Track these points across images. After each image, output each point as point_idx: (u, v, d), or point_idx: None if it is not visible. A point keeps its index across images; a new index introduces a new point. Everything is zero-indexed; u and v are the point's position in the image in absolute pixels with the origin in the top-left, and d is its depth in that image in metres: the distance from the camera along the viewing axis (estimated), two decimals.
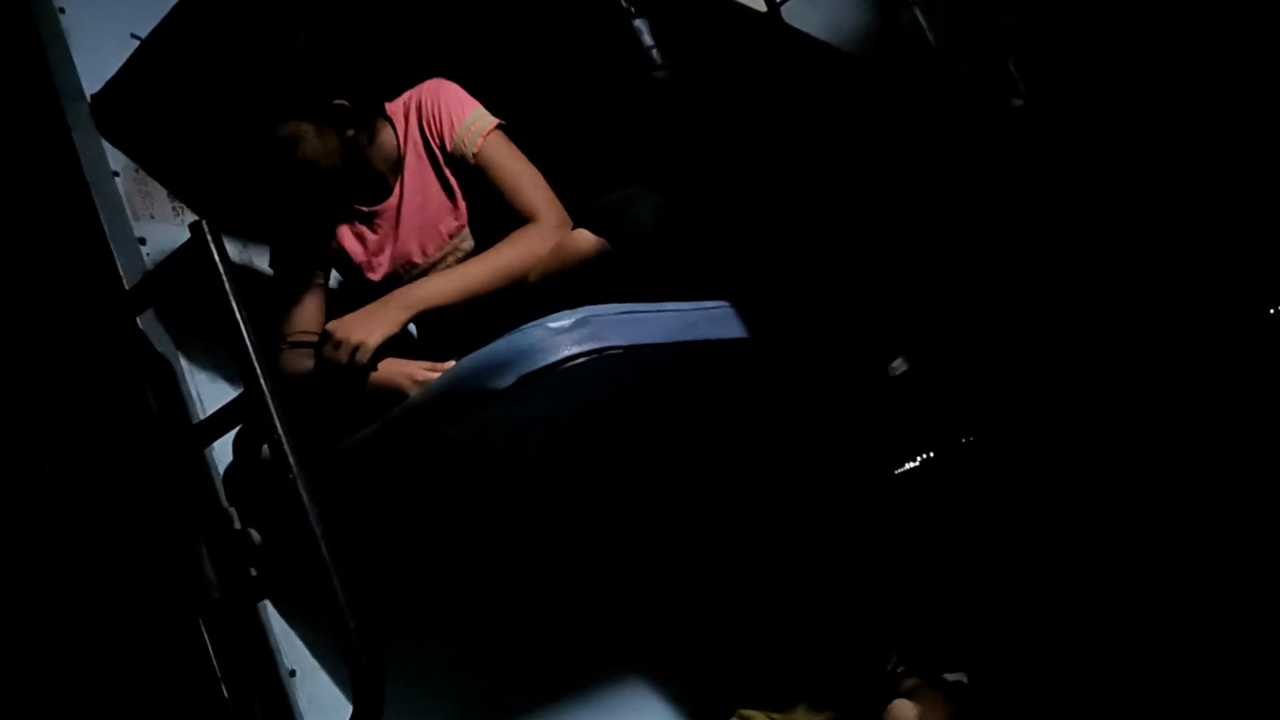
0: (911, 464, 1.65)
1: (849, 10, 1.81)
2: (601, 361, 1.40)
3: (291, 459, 1.32)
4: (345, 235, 1.79)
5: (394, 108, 1.77)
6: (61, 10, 1.81)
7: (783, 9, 1.77)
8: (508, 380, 1.38)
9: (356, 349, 1.53)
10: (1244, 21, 1.46)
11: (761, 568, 2.00)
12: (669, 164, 1.68)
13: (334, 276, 1.85)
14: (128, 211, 1.76)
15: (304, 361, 1.68)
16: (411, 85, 1.78)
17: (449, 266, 1.73)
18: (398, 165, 1.76)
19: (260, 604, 1.59)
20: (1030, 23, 1.62)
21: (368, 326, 1.55)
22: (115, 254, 1.64)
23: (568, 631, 2.04)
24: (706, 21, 1.78)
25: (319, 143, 1.66)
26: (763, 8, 1.77)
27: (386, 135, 1.75)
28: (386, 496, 1.71)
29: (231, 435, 1.52)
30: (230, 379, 1.76)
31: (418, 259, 1.77)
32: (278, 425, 1.34)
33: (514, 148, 1.71)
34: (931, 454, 1.63)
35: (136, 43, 1.81)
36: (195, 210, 1.91)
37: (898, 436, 1.66)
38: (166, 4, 1.71)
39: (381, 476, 1.60)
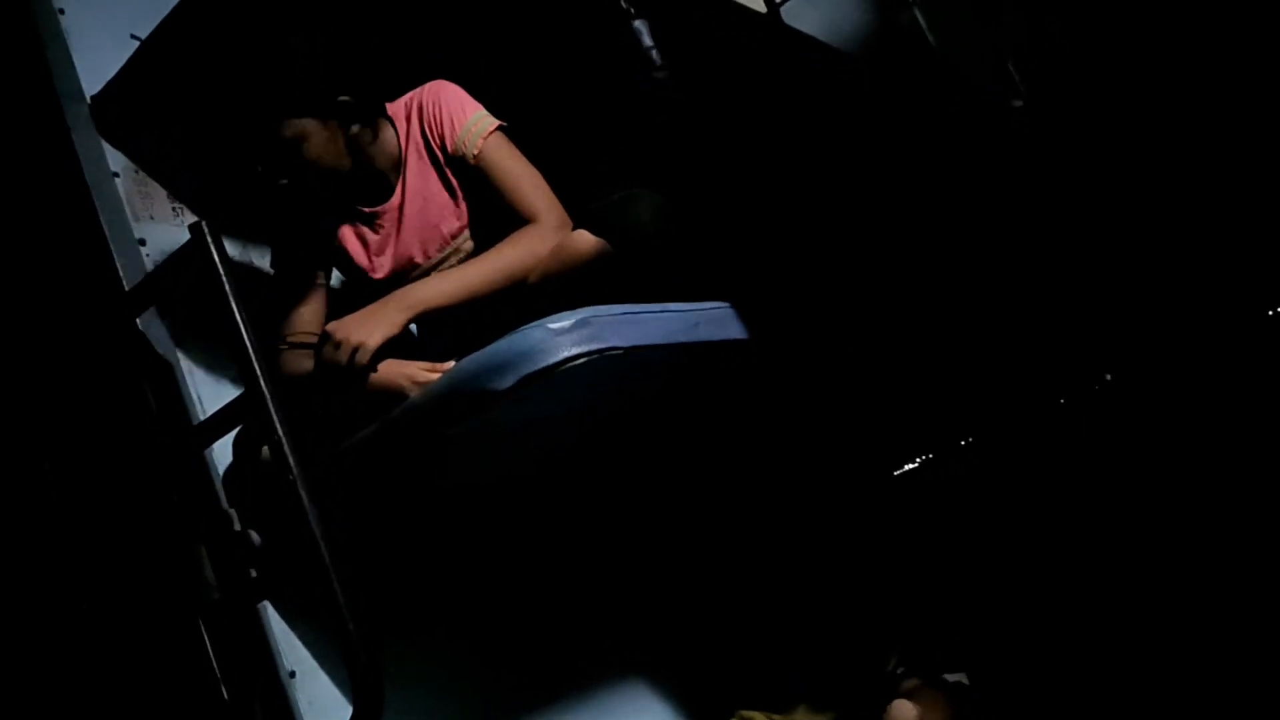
0: (911, 465, 1.65)
1: (849, 10, 1.81)
2: (602, 362, 1.40)
3: (291, 460, 1.32)
4: (347, 235, 1.79)
5: (395, 109, 1.77)
6: (61, 11, 1.81)
7: (783, 9, 1.77)
8: (508, 381, 1.38)
9: (356, 350, 1.53)
10: (1244, 21, 1.46)
11: (761, 568, 2.00)
12: (669, 164, 1.68)
13: (336, 276, 1.85)
14: (128, 212, 1.77)
15: (304, 362, 1.68)
16: (412, 86, 1.78)
17: (451, 267, 1.73)
18: (399, 166, 1.76)
19: (260, 605, 1.59)
20: (1030, 23, 1.62)
21: (367, 327, 1.55)
22: (115, 255, 1.64)
23: (568, 631, 2.04)
24: (706, 22, 1.77)
25: (325, 140, 1.65)
26: (763, 8, 1.77)
27: (388, 135, 1.75)
28: (386, 497, 1.71)
29: (231, 436, 1.52)
30: (230, 379, 1.76)
31: (419, 259, 1.77)
32: (278, 426, 1.34)
33: (514, 149, 1.71)
34: (931, 455, 1.63)
35: (136, 43, 1.81)
36: (195, 211, 1.91)
37: (897, 437, 1.66)
38: (166, 4, 1.71)
39: (381, 477, 1.60)
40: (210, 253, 1.39)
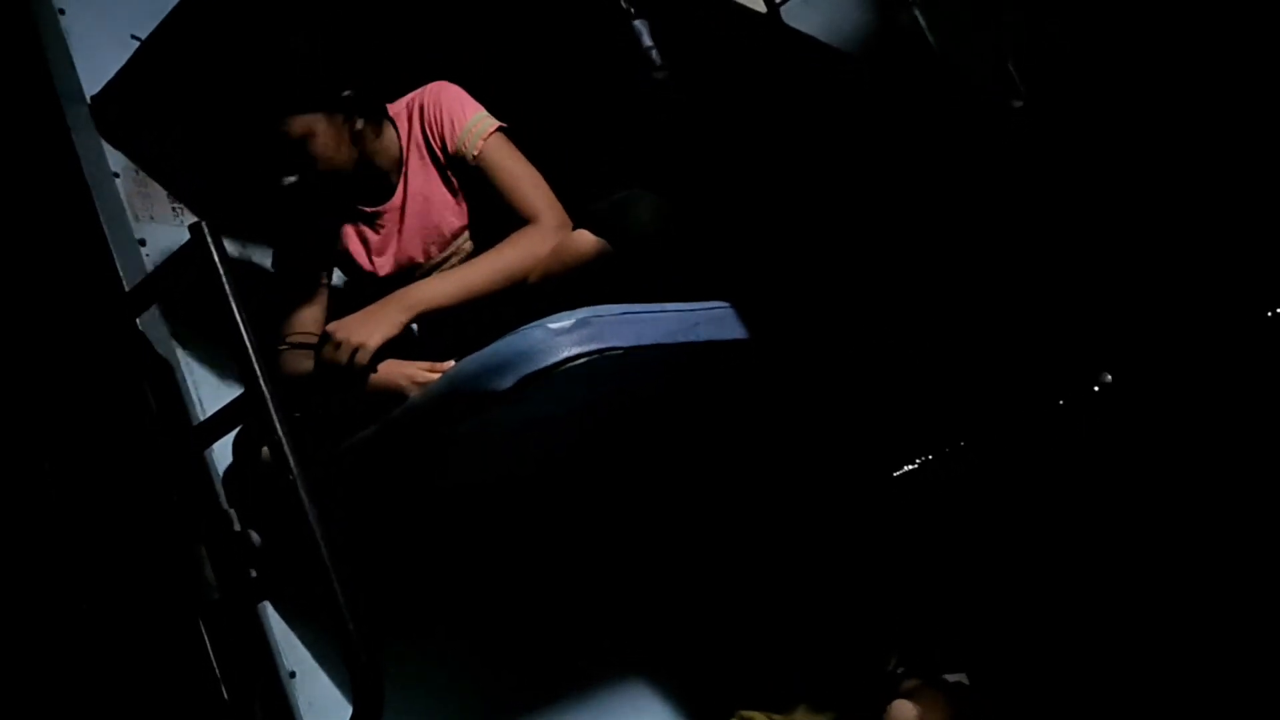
0: (910, 466, 1.65)
1: (849, 10, 1.81)
2: (602, 362, 1.40)
3: (291, 460, 1.32)
4: (348, 235, 1.79)
5: (396, 109, 1.77)
6: (61, 11, 1.82)
7: (783, 9, 1.77)
8: (508, 381, 1.38)
9: (356, 350, 1.54)
10: (1244, 21, 1.46)
11: (761, 569, 2.00)
12: (669, 164, 1.68)
13: (337, 276, 1.85)
14: (128, 213, 1.77)
15: (304, 362, 1.68)
16: (413, 87, 1.78)
17: (451, 267, 1.73)
18: (400, 165, 1.76)
19: (260, 605, 1.60)
20: (1030, 23, 1.62)
21: (368, 328, 1.55)
22: (115, 255, 1.64)
23: (568, 631, 2.05)
24: (706, 22, 1.77)
25: (332, 135, 1.65)
26: (763, 8, 1.77)
27: (390, 135, 1.76)
28: (386, 497, 1.71)
29: (231, 436, 1.52)
30: (230, 379, 1.76)
31: (420, 259, 1.77)
32: (278, 426, 1.34)
33: (515, 150, 1.71)
34: (930, 456, 1.63)
35: (136, 44, 1.81)
36: (195, 211, 1.91)
37: (896, 438, 1.66)
38: (166, 5, 1.71)
39: (381, 478, 1.60)
40: (210, 253, 1.39)
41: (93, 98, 1.78)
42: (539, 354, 1.37)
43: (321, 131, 1.64)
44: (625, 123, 1.75)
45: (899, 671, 1.71)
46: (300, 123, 1.62)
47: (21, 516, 1.69)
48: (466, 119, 1.71)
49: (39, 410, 1.71)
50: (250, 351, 1.37)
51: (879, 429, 1.67)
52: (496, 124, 1.71)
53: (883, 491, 1.69)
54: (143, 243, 1.76)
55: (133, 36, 1.87)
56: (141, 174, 1.86)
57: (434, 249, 1.76)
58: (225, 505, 1.51)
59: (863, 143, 1.69)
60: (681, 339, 1.53)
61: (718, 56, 1.76)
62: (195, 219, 1.46)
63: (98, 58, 1.81)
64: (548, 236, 1.62)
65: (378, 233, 1.78)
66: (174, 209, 1.89)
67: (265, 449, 1.43)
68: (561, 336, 1.38)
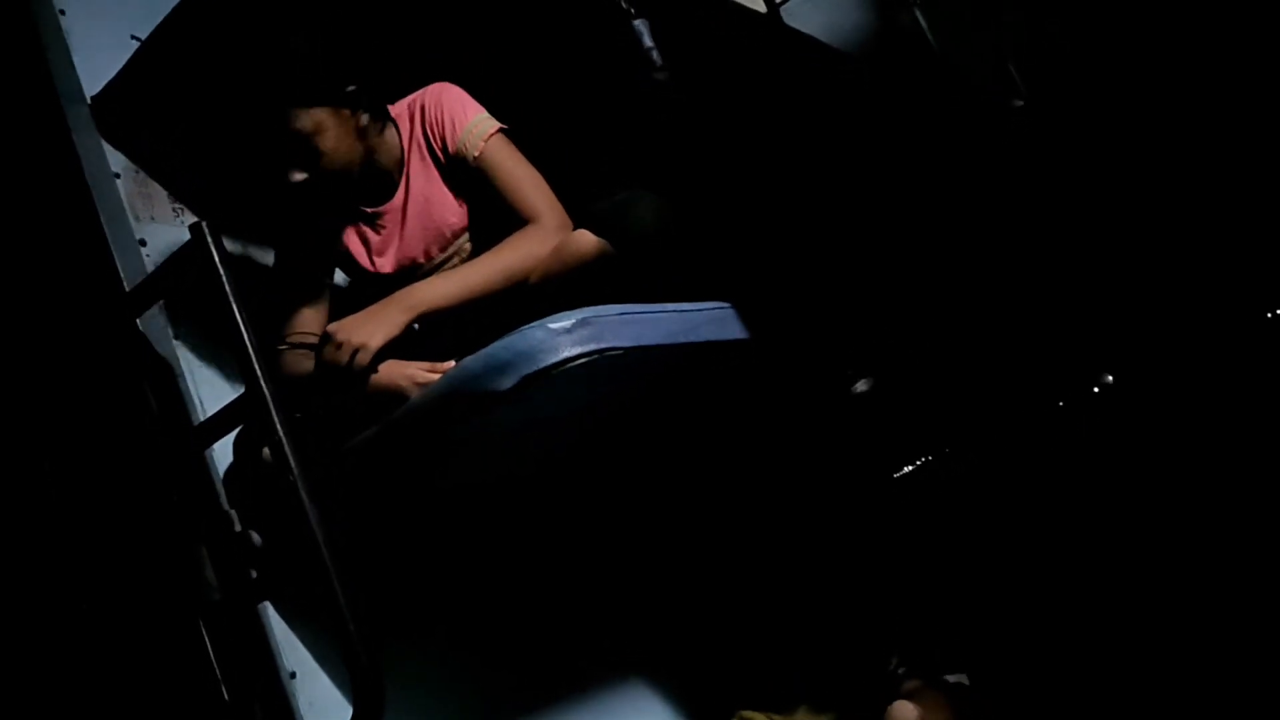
0: (910, 467, 1.65)
1: (849, 10, 1.81)
2: (602, 363, 1.41)
3: (292, 461, 1.32)
4: (349, 235, 1.80)
5: (397, 110, 1.77)
6: (62, 12, 1.81)
7: (783, 9, 1.77)
8: (508, 381, 1.38)
9: (357, 351, 1.54)
10: (1244, 21, 1.46)
11: (761, 569, 2.00)
12: (669, 165, 1.68)
13: (339, 276, 1.85)
14: (128, 213, 1.77)
15: (304, 363, 1.68)
16: (414, 88, 1.78)
17: (452, 268, 1.73)
18: (401, 166, 1.76)
19: (261, 606, 1.59)
20: (1030, 23, 1.62)
21: (368, 329, 1.55)
22: (116, 256, 1.64)
23: (568, 632, 2.05)
24: (706, 22, 1.77)
25: (339, 130, 1.64)
26: (763, 8, 1.77)
27: (391, 135, 1.75)
28: (387, 498, 1.71)
29: (232, 437, 1.52)
30: (230, 379, 1.76)
31: (421, 260, 1.77)
32: (278, 427, 1.34)
33: (515, 151, 1.71)
34: (930, 457, 1.63)
35: (136, 44, 1.81)
36: (195, 211, 1.91)
37: (896, 440, 1.66)
38: (166, 5, 1.71)
39: (382, 478, 1.60)
40: (210, 253, 1.39)
41: (93, 98, 1.78)
42: (539, 354, 1.37)
43: (329, 126, 1.63)
44: (626, 123, 1.75)
45: (899, 672, 1.71)
46: (308, 117, 1.61)
47: (21, 516, 1.69)
48: (467, 120, 1.71)
49: (39, 410, 1.71)
50: (251, 351, 1.37)
51: (879, 430, 1.67)
52: (497, 125, 1.71)
53: (883, 493, 1.69)
54: (143, 243, 1.76)
55: (133, 37, 1.87)
56: (142, 174, 1.86)
57: (435, 249, 1.77)
58: (226, 506, 1.51)
59: (863, 143, 1.69)
60: (682, 339, 1.53)
61: (718, 57, 1.76)
62: (195, 219, 1.46)
63: (98, 58, 1.80)
64: (548, 237, 1.63)
65: (379, 233, 1.78)
66: (174, 209, 1.89)
67: (266, 449, 1.43)
68: (562, 337, 1.38)
